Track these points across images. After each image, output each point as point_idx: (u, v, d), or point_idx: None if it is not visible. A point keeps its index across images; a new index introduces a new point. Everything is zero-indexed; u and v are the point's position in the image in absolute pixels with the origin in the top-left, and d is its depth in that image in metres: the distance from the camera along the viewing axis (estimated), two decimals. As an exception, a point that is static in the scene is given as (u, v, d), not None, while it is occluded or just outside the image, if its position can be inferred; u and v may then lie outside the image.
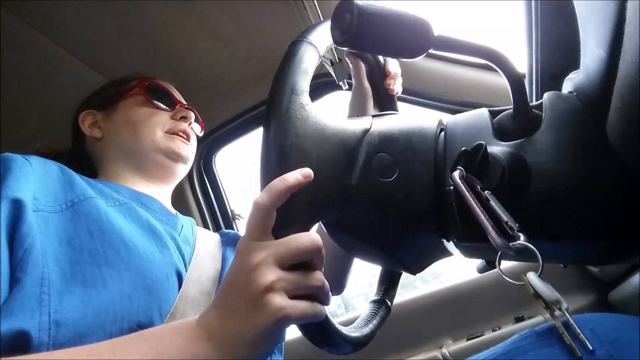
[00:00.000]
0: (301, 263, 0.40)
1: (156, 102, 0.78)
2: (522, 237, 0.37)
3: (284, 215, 0.41)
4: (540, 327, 0.56)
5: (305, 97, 0.44)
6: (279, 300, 0.39)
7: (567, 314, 0.37)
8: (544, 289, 0.37)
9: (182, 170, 0.78)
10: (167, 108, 0.78)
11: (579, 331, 0.36)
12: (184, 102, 0.83)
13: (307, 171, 0.41)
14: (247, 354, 0.39)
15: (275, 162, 0.41)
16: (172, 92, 0.82)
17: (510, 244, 0.36)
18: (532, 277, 0.38)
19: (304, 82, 0.45)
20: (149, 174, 0.74)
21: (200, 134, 0.87)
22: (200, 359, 0.39)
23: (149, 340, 0.40)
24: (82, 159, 0.77)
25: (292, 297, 0.40)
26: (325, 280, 0.42)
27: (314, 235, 0.41)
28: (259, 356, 0.40)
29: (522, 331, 0.57)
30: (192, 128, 0.80)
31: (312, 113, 0.45)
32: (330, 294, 0.43)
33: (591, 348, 0.35)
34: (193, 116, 0.80)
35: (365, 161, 0.48)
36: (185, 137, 0.77)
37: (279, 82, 0.44)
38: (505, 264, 0.41)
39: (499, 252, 0.38)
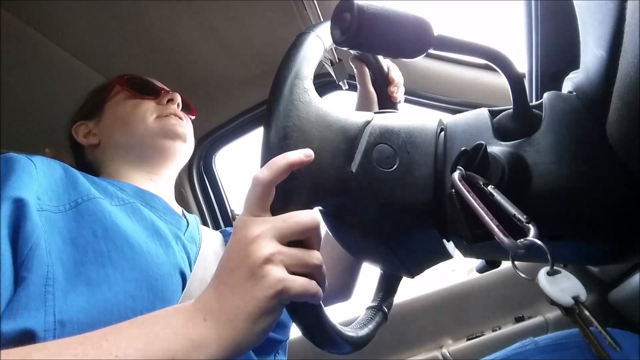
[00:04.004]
0: (299, 242, 0.40)
1: (139, 92, 0.78)
2: (532, 229, 0.36)
3: (283, 193, 0.41)
4: (540, 338, 0.57)
5: (308, 83, 0.45)
6: (279, 271, 0.37)
7: (587, 312, 0.33)
8: (557, 294, 0.34)
9: (182, 150, 0.77)
10: (151, 97, 0.78)
11: (600, 329, 0.33)
12: (167, 89, 0.83)
13: (309, 151, 0.41)
14: (246, 330, 0.38)
15: (276, 142, 0.41)
16: (153, 82, 0.82)
17: (518, 241, 0.35)
18: (543, 280, 0.35)
19: (308, 68, 0.45)
20: (150, 163, 0.74)
21: (193, 117, 0.86)
22: (195, 341, 0.37)
23: (142, 325, 0.39)
24: (86, 169, 0.77)
25: (291, 273, 0.38)
26: (322, 261, 0.41)
27: (313, 212, 0.40)
28: (258, 334, 0.39)
29: (523, 339, 0.58)
30: (182, 111, 0.80)
31: (314, 99, 0.45)
32: (326, 277, 0.42)
33: (618, 349, 0.32)
34: (179, 97, 0.80)
35: (365, 150, 0.48)
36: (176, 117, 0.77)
37: (283, 68, 0.44)
38: (507, 263, 0.40)
39: (510, 252, 0.37)
